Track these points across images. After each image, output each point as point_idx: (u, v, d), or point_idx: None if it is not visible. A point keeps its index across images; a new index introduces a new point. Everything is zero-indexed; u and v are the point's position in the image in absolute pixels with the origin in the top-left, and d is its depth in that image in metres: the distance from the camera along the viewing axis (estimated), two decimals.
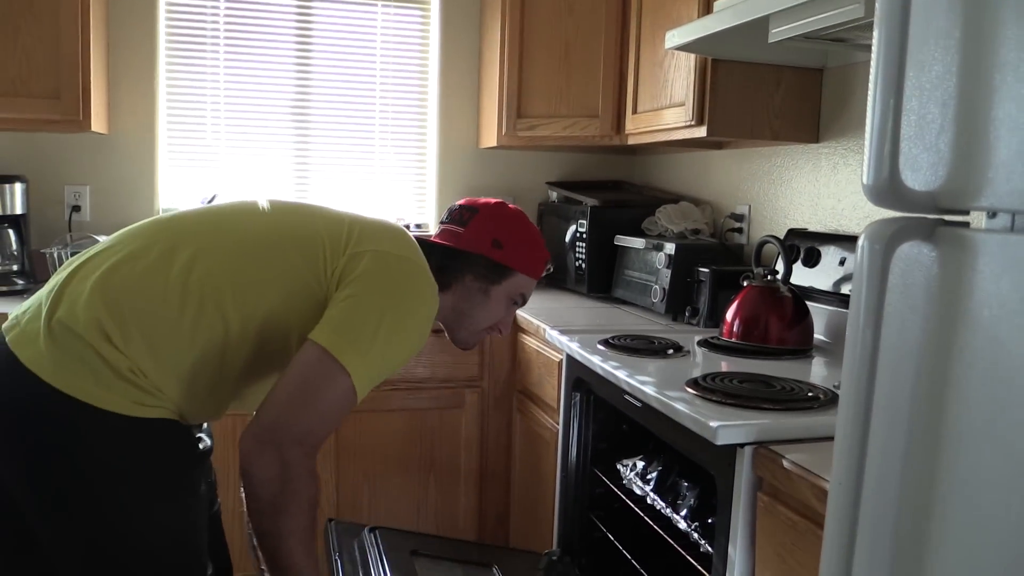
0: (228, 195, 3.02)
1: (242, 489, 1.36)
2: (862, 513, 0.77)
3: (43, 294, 1.38)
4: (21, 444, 1.30)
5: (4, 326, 1.37)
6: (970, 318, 0.68)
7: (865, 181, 0.75)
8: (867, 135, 0.75)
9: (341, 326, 1.36)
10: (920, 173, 0.72)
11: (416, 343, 1.45)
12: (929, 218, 0.73)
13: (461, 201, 1.67)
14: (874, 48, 0.74)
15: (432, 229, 3.29)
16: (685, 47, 2.09)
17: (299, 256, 1.41)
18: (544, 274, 1.71)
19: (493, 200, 1.67)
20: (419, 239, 1.57)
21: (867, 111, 0.75)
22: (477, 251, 1.58)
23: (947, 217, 0.74)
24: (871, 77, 0.75)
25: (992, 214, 0.70)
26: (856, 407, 0.76)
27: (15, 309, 1.42)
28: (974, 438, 0.68)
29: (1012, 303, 0.64)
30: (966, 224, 0.73)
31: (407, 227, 3.19)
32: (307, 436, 1.36)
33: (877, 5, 0.74)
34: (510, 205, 1.66)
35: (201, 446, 1.53)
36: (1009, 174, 0.65)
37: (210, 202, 2.95)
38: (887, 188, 0.73)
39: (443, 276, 1.55)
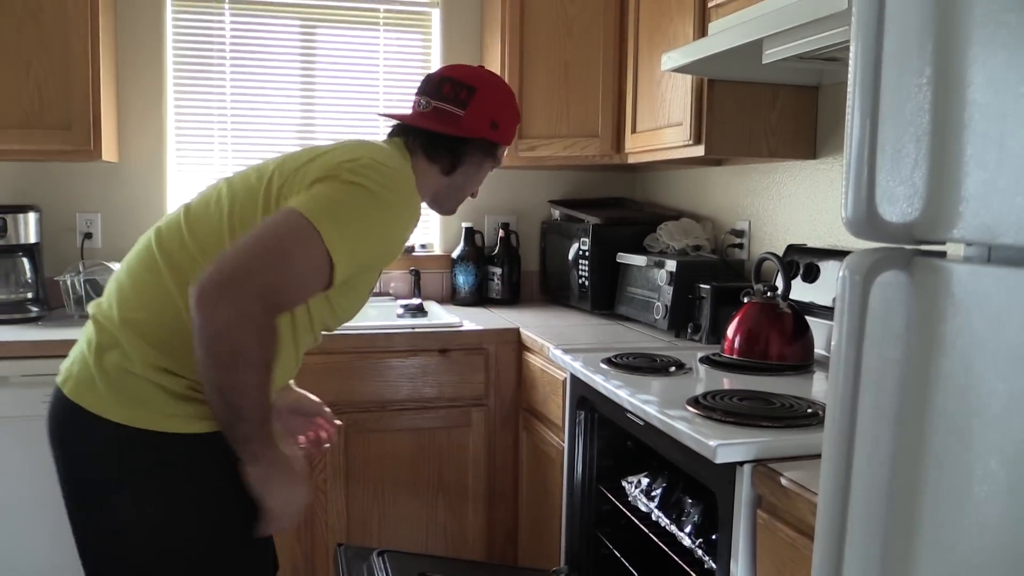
0: None
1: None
2: (849, 527, 0.80)
3: (82, 342, 1.46)
4: (112, 482, 1.38)
5: (58, 381, 1.45)
6: (945, 344, 0.72)
7: (845, 215, 0.79)
8: (845, 170, 0.78)
9: (319, 197, 1.36)
10: (896, 206, 0.76)
11: (399, 236, 1.47)
12: (906, 248, 0.77)
13: (448, 73, 1.67)
14: (850, 85, 0.78)
15: (437, 250, 3.33)
16: (681, 69, 2.13)
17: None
18: None
19: (482, 71, 1.69)
20: (421, 129, 1.62)
21: (844, 147, 0.79)
22: (479, 135, 1.64)
23: (924, 247, 0.77)
24: (847, 114, 0.79)
25: (969, 244, 0.73)
26: (840, 428, 0.79)
27: (63, 365, 1.49)
28: (951, 459, 0.71)
29: (981, 331, 0.68)
30: (942, 254, 0.76)
31: (411, 247, 3.24)
32: (270, 292, 1.29)
33: (851, 44, 0.77)
34: (490, 72, 1.70)
35: None
36: (978, 208, 0.68)
37: None
38: (865, 220, 0.77)
39: (452, 161, 1.64)
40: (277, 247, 1.30)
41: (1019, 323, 0.64)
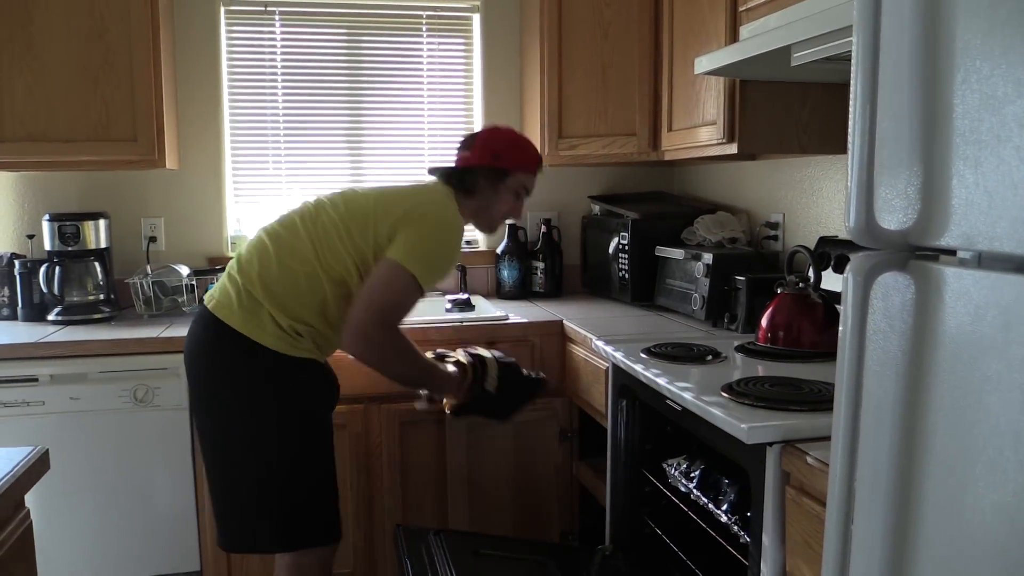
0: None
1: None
2: (857, 498, 0.91)
3: (226, 279, 2.09)
4: (229, 369, 2.05)
5: (207, 303, 2.09)
6: (937, 335, 0.83)
7: (848, 224, 0.90)
8: (848, 185, 0.89)
9: (404, 245, 2.00)
10: (894, 216, 0.87)
11: (454, 251, 2.11)
12: (902, 253, 0.88)
13: (467, 134, 2.32)
14: (851, 113, 0.89)
15: (481, 246, 3.47)
16: (713, 72, 2.23)
17: (358, 236, 2.05)
18: (539, 169, 2.29)
19: (489, 126, 2.34)
20: (444, 168, 2.24)
21: (847, 165, 0.90)
22: (483, 164, 2.19)
23: (919, 251, 0.88)
24: (849, 137, 0.90)
25: (955, 251, 0.84)
26: (847, 410, 0.90)
27: (210, 290, 2.15)
28: (941, 436, 0.82)
29: (966, 324, 0.79)
30: (935, 257, 0.87)
31: None
32: (391, 322, 2.02)
33: (852, 81, 0.89)
34: (501, 126, 2.34)
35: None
36: (959, 220, 0.79)
37: None
38: (865, 228, 0.88)
39: (467, 187, 2.19)
40: (389, 296, 2.00)
41: (993, 317, 0.76)
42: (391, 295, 2.00)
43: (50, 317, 2.86)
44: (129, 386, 2.52)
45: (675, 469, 2.02)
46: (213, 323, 2.04)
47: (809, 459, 1.36)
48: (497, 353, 2.34)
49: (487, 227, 2.35)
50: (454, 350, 2.37)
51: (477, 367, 2.26)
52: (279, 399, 2.04)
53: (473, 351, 2.34)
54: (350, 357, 2.07)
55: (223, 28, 3.21)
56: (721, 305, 2.57)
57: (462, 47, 3.41)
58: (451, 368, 2.27)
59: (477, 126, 3.44)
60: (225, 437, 2.07)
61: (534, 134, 3.17)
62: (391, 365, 2.08)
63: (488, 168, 2.19)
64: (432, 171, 2.31)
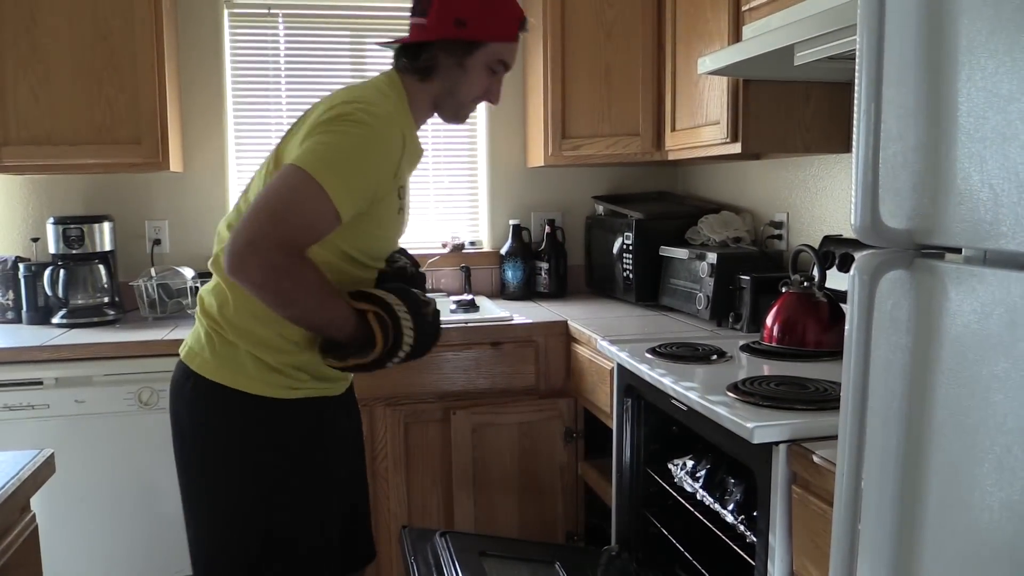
0: None
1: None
2: (864, 497, 0.91)
3: (196, 322, 1.75)
4: (213, 432, 1.69)
5: (180, 349, 1.76)
6: (943, 333, 0.83)
7: (853, 223, 0.90)
8: (853, 184, 0.89)
9: (310, 148, 1.51)
10: (899, 214, 0.87)
11: (374, 151, 1.57)
12: (908, 251, 0.88)
13: None
14: (856, 113, 0.89)
15: (487, 246, 3.47)
16: (717, 72, 2.23)
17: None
18: (520, 31, 1.75)
19: None
20: (394, 42, 1.76)
21: (852, 166, 0.90)
22: (443, 36, 1.67)
23: (926, 249, 0.88)
24: (854, 137, 0.90)
25: (959, 249, 0.84)
26: (855, 406, 0.90)
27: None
28: (949, 433, 0.82)
29: (972, 323, 0.79)
30: (940, 255, 0.87)
31: (461, 244, 3.37)
32: (287, 241, 1.47)
33: (856, 81, 0.88)
34: None
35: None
36: (965, 218, 0.79)
37: None
38: (870, 228, 0.88)
39: (423, 69, 1.71)
40: (282, 205, 1.48)
41: (999, 315, 0.75)
42: (285, 201, 1.47)
43: (55, 320, 2.86)
44: (134, 389, 2.52)
45: (681, 469, 2.01)
46: (183, 374, 1.71)
47: (815, 458, 1.35)
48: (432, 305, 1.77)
49: (454, 116, 1.82)
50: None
51: (389, 336, 1.60)
52: (265, 449, 1.68)
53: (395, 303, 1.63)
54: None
55: (227, 30, 3.21)
56: (726, 305, 2.56)
57: None
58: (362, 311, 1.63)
59: (480, 126, 3.45)
60: (195, 501, 1.78)
61: (537, 135, 3.17)
62: (290, 299, 1.50)
63: (451, 41, 1.68)
64: (382, 45, 1.84)
